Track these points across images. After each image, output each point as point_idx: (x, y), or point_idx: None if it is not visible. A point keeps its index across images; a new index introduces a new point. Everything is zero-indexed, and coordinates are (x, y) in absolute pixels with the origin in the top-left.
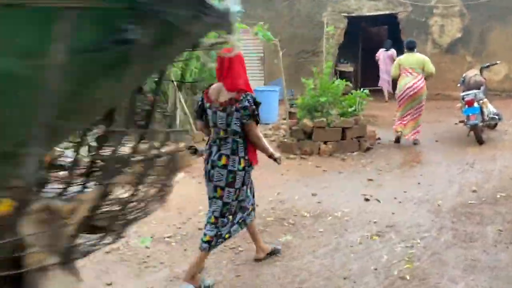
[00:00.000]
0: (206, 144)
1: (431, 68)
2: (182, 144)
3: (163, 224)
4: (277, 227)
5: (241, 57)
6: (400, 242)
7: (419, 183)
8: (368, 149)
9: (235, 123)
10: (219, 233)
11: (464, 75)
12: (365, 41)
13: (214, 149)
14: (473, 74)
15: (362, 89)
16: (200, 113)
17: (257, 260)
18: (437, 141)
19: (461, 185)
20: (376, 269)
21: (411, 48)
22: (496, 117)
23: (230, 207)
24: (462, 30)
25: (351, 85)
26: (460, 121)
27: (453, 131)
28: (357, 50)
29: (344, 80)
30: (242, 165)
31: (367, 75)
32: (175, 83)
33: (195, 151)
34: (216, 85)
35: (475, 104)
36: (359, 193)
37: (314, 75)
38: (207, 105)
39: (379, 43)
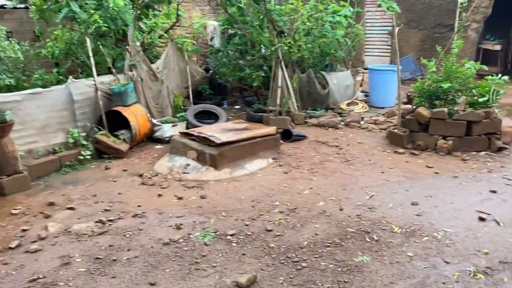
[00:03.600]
0: None
1: None
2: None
3: (232, 217)
4: (356, 242)
5: None
6: None
7: None
8: (500, 149)
9: None
10: None
11: None
12: None
13: None
14: None
15: (500, 75)
16: None
17: None
18: None
19: None
20: None
21: None
22: None
23: None
24: None
25: (485, 67)
26: None
27: None
28: (509, 25)
29: (478, 63)
30: None
31: None
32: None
33: None
34: None
35: None
36: (473, 209)
37: (439, 55)
38: None
39: None
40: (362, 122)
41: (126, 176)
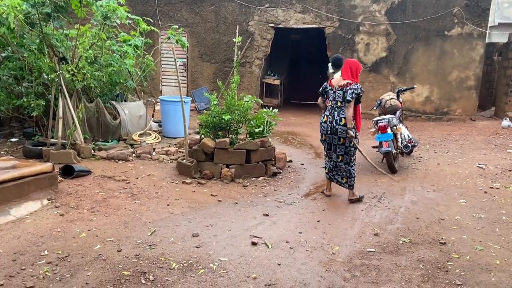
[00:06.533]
0: (324, 112)
1: None
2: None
3: None
4: (130, 286)
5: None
6: None
7: (318, 221)
8: (275, 174)
9: (350, 95)
10: (336, 169)
11: (380, 98)
12: (295, 54)
13: (335, 114)
14: (389, 97)
15: (269, 108)
16: (323, 92)
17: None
18: None
19: (363, 226)
20: None
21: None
22: (409, 145)
23: (350, 149)
24: (387, 50)
25: (260, 101)
26: (374, 147)
27: (368, 156)
28: (286, 63)
29: (254, 97)
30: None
31: (296, 89)
32: (64, 88)
33: None
34: (336, 77)
35: (389, 130)
36: (248, 234)
37: (220, 90)
38: (330, 87)
39: (310, 57)
40: (153, 153)
41: None
